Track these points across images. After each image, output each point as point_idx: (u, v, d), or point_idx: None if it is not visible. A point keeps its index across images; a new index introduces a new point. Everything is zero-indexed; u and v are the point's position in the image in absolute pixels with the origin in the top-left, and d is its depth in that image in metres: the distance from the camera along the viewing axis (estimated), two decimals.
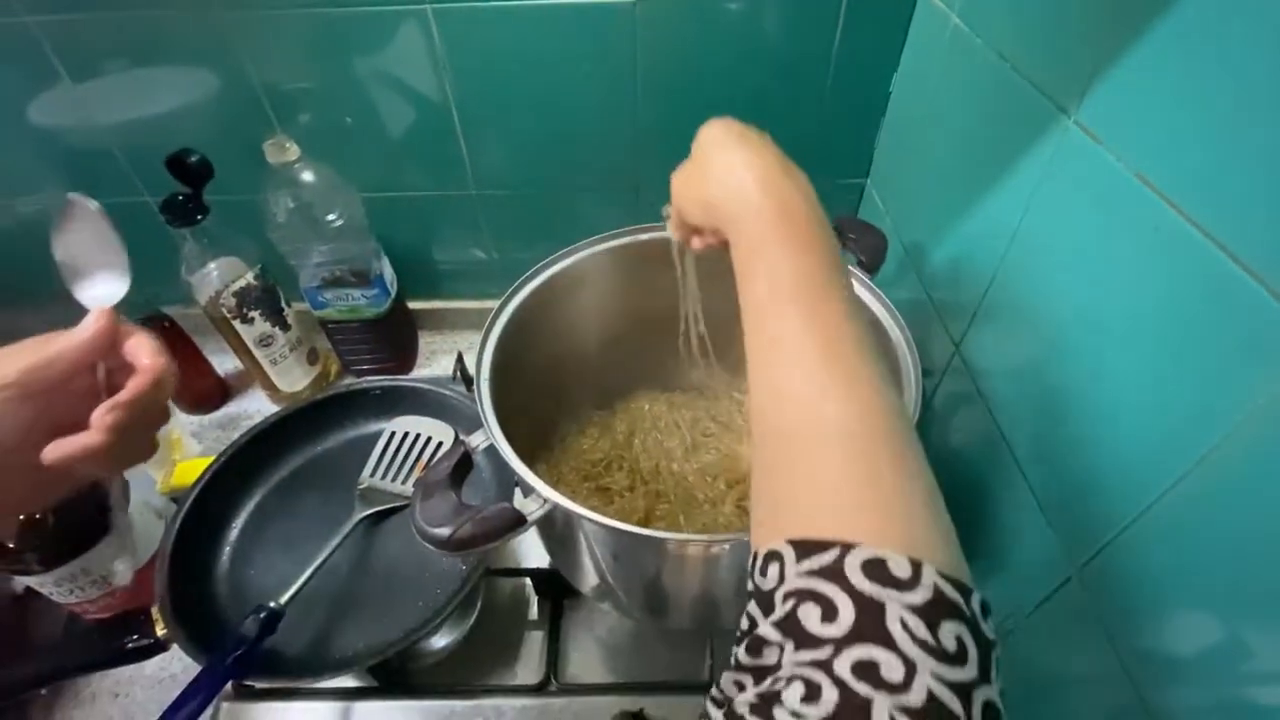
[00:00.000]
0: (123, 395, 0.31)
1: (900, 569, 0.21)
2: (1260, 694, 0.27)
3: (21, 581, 0.51)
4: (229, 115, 0.65)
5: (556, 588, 0.57)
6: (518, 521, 0.36)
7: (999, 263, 0.44)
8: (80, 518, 0.50)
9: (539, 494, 0.38)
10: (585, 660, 0.56)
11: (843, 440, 0.24)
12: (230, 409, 0.76)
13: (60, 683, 0.55)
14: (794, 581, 0.22)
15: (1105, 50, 0.34)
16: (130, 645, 0.46)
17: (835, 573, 0.21)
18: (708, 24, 0.60)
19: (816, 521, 0.23)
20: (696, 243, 0.40)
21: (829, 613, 0.20)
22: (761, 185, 0.31)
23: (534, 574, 0.58)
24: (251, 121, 0.65)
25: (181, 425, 0.72)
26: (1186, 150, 0.29)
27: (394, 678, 0.53)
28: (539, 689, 0.53)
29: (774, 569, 0.23)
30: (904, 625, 0.20)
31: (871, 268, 0.52)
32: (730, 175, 0.32)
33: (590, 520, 0.37)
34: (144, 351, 0.32)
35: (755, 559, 0.25)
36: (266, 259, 0.67)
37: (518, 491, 0.54)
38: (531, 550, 0.61)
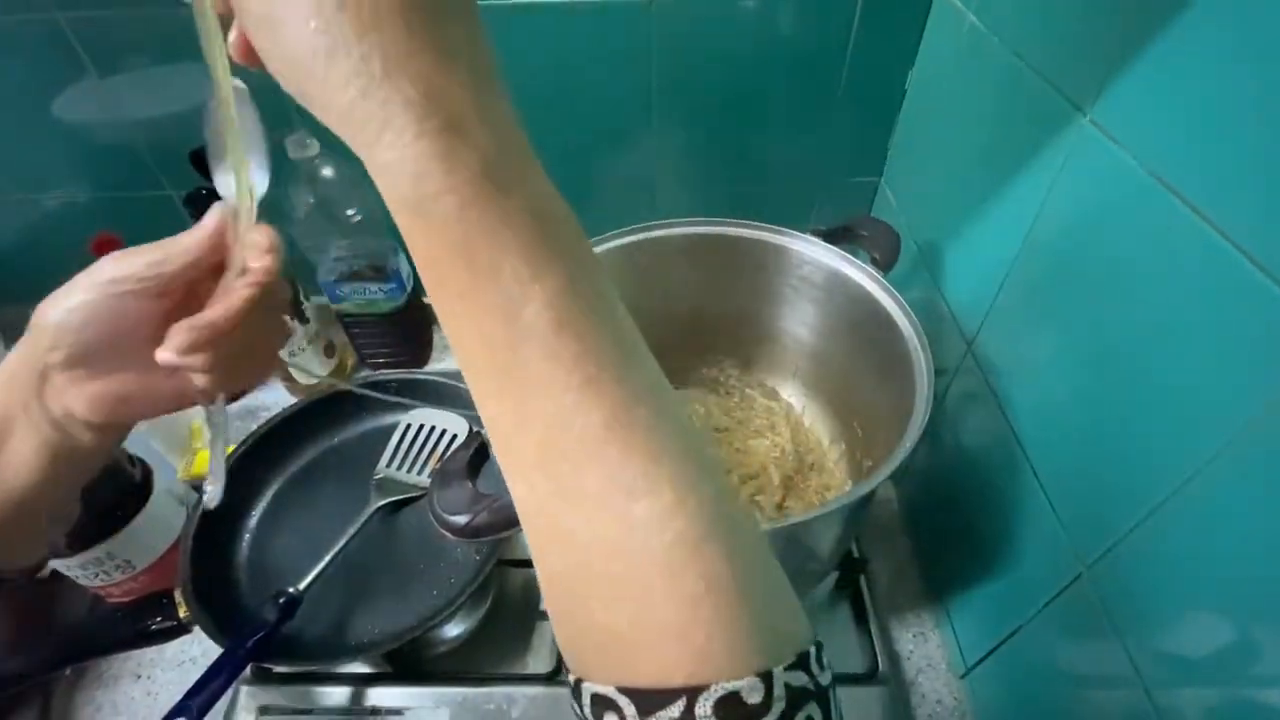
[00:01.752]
0: (206, 314, 0.28)
1: (753, 694, 0.18)
2: (1272, 695, 0.27)
3: (48, 564, 0.52)
4: None
5: None
6: None
7: (1013, 262, 0.45)
8: (108, 503, 0.51)
9: None
10: None
11: (663, 547, 0.19)
12: (249, 400, 0.77)
13: (83, 664, 0.56)
14: None
15: (1121, 48, 0.34)
16: (154, 627, 0.47)
17: None
18: (723, 22, 0.60)
19: (653, 663, 0.19)
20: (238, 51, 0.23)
21: None
22: (395, 65, 0.18)
23: None
24: (272, 117, 0.65)
25: (201, 415, 0.73)
26: (1202, 150, 0.29)
27: (409, 665, 0.54)
28: (550, 678, 0.53)
29: (612, 719, 0.20)
30: None
31: (885, 266, 0.52)
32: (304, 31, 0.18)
33: None
34: (253, 254, 0.30)
35: (580, 693, 0.21)
36: (286, 252, 0.68)
37: None
38: None
